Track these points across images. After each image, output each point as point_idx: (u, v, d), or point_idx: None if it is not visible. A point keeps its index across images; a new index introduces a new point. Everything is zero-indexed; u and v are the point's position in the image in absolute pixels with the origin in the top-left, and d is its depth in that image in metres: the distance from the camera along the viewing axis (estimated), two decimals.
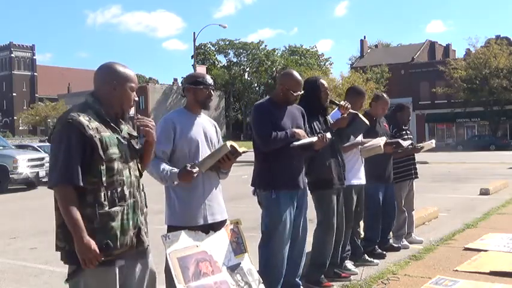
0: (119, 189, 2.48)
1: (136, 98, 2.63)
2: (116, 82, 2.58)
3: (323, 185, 4.38)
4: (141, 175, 2.69)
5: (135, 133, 2.70)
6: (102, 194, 2.42)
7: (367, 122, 4.65)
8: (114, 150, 2.48)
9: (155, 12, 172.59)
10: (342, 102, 4.45)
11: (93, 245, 2.35)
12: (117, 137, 2.54)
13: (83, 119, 2.44)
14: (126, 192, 2.50)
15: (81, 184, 2.38)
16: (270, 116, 3.86)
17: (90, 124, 2.44)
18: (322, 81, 4.49)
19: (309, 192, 4.29)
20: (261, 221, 3.99)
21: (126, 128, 2.67)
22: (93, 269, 2.37)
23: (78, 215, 2.36)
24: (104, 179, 2.42)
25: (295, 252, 4.03)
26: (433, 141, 6.48)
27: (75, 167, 2.37)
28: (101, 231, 2.40)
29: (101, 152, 2.43)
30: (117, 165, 2.48)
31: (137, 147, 2.68)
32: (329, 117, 4.61)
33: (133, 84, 2.62)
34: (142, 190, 2.68)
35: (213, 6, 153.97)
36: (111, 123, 2.54)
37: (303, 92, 4.05)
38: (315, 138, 3.89)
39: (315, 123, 4.31)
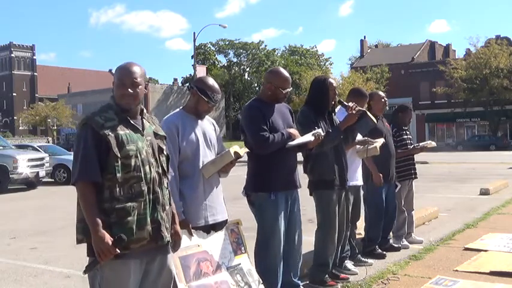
0: (136, 185, 2.53)
1: (131, 91, 2.58)
2: (114, 81, 2.65)
3: (324, 185, 4.37)
4: (164, 173, 2.71)
5: (161, 132, 2.77)
6: (118, 190, 2.49)
7: (375, 120, 4.66)
8: (131, 147, 2.54)
9: (160, 12, 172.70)
10: (351, 104, 4.42)
11: (107, 238, 2.42)
12: (137, 135, 2.59)
13: (98, 118, 2.54)
14: (144, 188, 2.54)
15: (99, 180, 2.48)
16: (263, 118, 3.81)
17: (106, 123, 2.53)
18: (331, 80, 4.47)
19: (308, 191, 4.29)
20: (258, 223, 3.93)
21: (152, 127, 2.73)
22: (109, 261, 2.44)
23: (95, 210, 2.45)
24: (118, 175, 2.49)
25: (293, 250, 4.01)
26: (432, 142, 6.49)
27: (92, 164, 2.48)
28: (117, 225, 2.47)
29: (116, 149, 2.49)
30: (134, 161, 2.53)
31: (163, 147, 2.73)
32: (335, 117, 4.59)
33: (122, 79, 2.60)
34: (166, 188, 2.72)
35: (217, 6, 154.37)
36: (130, 122, 2.60)
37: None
38: (311, 138, 3.86)
39: (321, 123, 4.28)
